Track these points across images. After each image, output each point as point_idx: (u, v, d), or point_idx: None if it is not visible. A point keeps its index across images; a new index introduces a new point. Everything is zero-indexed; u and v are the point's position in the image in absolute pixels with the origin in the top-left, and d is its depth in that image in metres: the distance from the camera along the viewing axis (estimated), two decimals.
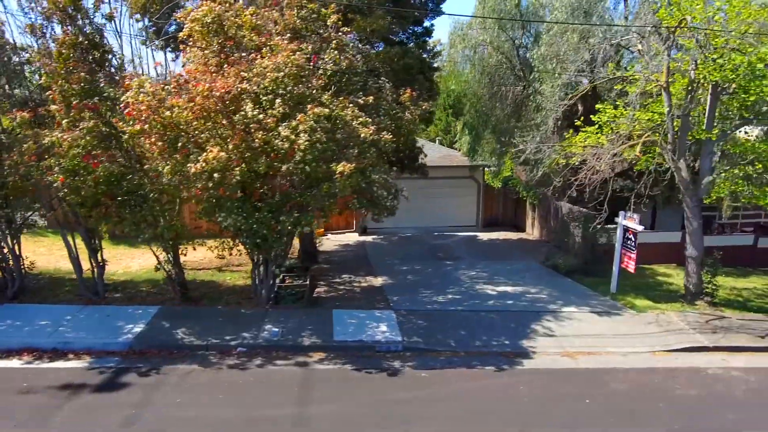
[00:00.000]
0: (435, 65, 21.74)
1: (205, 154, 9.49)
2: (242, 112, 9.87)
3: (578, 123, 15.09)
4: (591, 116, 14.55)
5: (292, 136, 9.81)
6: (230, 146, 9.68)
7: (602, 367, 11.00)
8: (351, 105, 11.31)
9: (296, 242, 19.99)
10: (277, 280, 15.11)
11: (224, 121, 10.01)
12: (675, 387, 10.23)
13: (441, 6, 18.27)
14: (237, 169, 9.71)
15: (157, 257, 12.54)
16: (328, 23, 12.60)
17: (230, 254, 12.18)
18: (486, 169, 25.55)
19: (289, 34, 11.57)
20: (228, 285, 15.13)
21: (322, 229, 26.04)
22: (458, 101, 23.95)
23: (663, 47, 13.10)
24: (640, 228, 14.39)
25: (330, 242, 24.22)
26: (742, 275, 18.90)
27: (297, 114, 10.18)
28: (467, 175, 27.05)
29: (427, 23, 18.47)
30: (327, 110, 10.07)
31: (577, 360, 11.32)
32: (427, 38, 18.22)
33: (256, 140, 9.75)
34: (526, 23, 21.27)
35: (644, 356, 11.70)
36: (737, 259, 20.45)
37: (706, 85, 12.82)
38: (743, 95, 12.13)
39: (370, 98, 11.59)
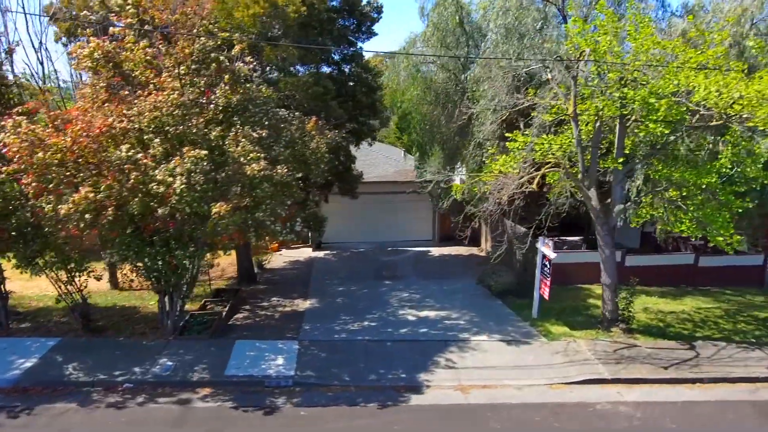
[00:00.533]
0: (380, 83, 21.76)
1: (75, 195, 9.52)
2: (117, 153, 9.90)
3: (492, 150, 15.10)
4: (507, 143, 14.54)
5: (168, 179, 9.83)
6: (102, 187, 9.69)
7: (490, 403, 10.97)
8: (244, 139, 11.31)
9: (236, 261, 20.05)
10: (197, 307, 15.18)
11: (102, 161, 10.03)
12: (554, 425, 10.22)
13: (373, 27, 18.25)
14: (110, 209, 9.73)
15: (58, 289, 12.56)
16: (233, 52, 12.64)
17: (130, 286, 12.18)
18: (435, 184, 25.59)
19: (182, 68, 11.57)
20: (147, 311, 15.12)
21: (276, 245, 26.08)
22: (403, 118, 23.98)
23: (569, 77, 13.10)
24: (553, 255, 14.40)
25: (281, 258, 24.25)
26: (679, 295, 18.85)
27: (180, 152, 10.20)
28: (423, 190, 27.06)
29: (361, 44, 18.48)
30: (205, 152, 10.07)
31: (468, 395, 11.30)
32: (359, 60, 18.19)
33: (131, 181, 9.77)
34: (470, 39, 21.25)
35: (539, 389, 11.67)
36: (679, 278, 20.45)
37: (603, 116, 12.81)
38: (636, 129, 12.12)
39: (264, 132, 11.58)
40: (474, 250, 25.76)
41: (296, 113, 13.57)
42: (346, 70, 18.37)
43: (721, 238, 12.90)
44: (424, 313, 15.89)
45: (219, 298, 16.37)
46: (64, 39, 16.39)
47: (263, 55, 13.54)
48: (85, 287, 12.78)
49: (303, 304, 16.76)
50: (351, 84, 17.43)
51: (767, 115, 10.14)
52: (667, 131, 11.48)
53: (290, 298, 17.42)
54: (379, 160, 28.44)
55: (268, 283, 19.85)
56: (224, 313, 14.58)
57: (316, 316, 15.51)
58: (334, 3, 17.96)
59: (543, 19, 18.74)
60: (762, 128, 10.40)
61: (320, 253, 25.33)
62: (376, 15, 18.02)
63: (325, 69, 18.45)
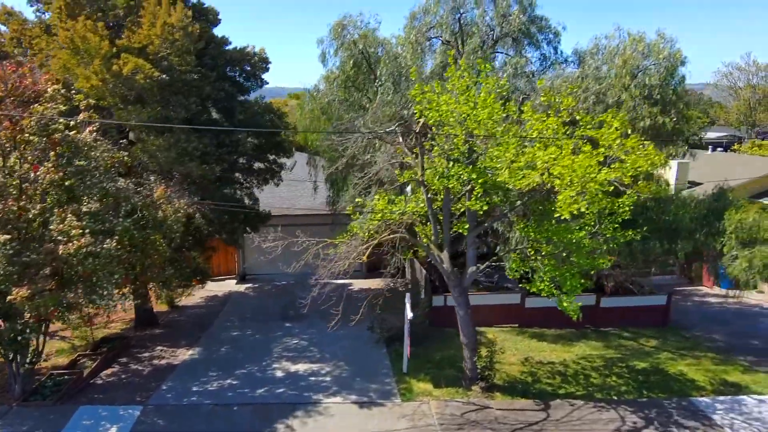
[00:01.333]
0: (287, 123, 21.95)
1: None
2: None
3: (350, 209, 15.23)
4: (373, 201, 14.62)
5: None
6: None
7: None
8: (71, 215, 11.41)
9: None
10: (67, 361, 15.28)
11: None
12: None
13: (263, 76, 18.39)
14: None
15: None
16: (80, 118, 12.74)
17: None
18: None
19: (19, 139, 11.69)
20: None
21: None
22: (312, 158, 24.29)
23: (414, 143, 13.21)
24: (410, 316, 14.50)
25: (201, 293, 24.09)
26: (574, 339, 18.85)
27: None
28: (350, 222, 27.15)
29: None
30: (7, 236, 10.19)
31: None
32: (249, 108, 18.30)
33: None
34: (376, 79, 21.34)
35: None
36: (583, 319, 20.47)
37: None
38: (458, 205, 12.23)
39: (94, 206, 11.68)
40: (397, 284, 25.80)
41: (151, 178, 13.67)
42: (240, 117, 18.43)
43: (566, 304, 12.95)
44: (296, 367, 15.97)
45: (98, 350, 16.45)
46: None
47: (117, 117, 13.61)
48: None
49: (183, 355, 16.83)
50: (239, 135, 17.45)
51: (563, 200, 10.18)
52: (486, 208, 11.56)
53: (176, 347, 17.49)
54: (307, 191, 28.49)
55: (168, 325, 19.92)
56: (87, 372, 14.66)
57: (186, 371, 15.58)
58: (227, 47, 18.13)
59: (447, 65, 18.76)
60: (557, 213, 10.44)
61: (242, 287, 25.42)
62: (264, 65, 18.15)
63: (216, 116, 18.54)
